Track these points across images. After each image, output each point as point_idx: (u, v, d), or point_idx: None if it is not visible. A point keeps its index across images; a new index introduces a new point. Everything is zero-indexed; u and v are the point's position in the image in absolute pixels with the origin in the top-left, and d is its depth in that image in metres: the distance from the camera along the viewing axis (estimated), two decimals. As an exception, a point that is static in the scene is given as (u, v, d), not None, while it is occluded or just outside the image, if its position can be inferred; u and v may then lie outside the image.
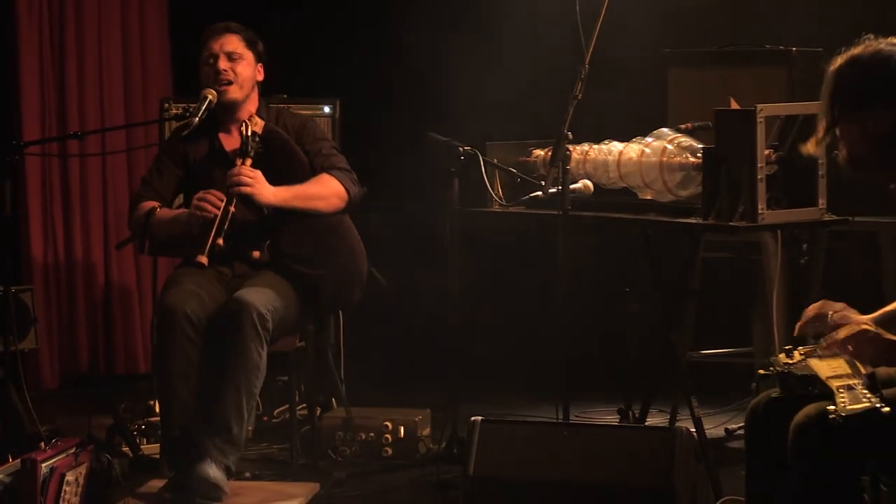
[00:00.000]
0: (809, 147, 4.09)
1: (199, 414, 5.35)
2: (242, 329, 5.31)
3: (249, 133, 5.54)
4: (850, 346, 3.85)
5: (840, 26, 4.17)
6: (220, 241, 5.37)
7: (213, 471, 5.21)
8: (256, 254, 5.65)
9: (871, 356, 3.82)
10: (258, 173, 5.50)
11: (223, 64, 5.68)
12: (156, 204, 5.68)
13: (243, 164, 5.52)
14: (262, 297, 5.39)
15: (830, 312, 4.03)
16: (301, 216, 5.58)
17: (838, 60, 3.92)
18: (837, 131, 3.92)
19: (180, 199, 5.86)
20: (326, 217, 5.62)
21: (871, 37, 3.94)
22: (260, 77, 5.81)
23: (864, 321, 3.99)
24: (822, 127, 3.96)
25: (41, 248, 7.47)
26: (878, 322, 4.02)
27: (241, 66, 5.72)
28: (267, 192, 5.50)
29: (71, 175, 7.57)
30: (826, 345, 3.93)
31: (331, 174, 5.64)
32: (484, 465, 4.66)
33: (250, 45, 5.77)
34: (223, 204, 5.43)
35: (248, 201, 5.50)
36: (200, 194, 5.51)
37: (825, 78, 3.92)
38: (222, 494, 5.23)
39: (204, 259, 5.34)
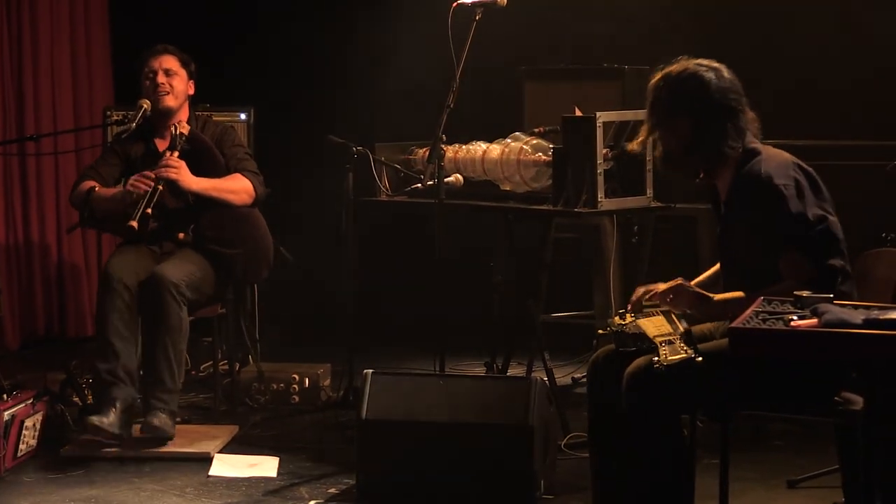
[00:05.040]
0: (634, 146, 4.16)
1: (143, 374, 5.38)
2: (162, 297, 5.32)
3: (178, 132, 5.53)
4: (668, 297, 3.90)
5: (663, 48, 4.19)
6: (149, 211, 5.35)
7: (157, 420, 5.25)
8: (181, 235, 5.62)
9: (685, 305, 3.88)
10: (182, 162, 5.48)
11: (161, 78, 5.65)
12: (95, 183, 5.64)
13: (171, 155, 5.49)
14: (176, 270, 5.39)
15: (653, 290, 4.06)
16: (218, 206, 5.55)
17: (657, 76, 3.97)
18: (656, 134, 3.97)
19: (120, 187, 5.78)
20: (239, 208, 5.59)
21: (685, 57, 3.98)
22: (191, 91, 5.77)
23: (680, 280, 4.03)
24: (644, 130, 4.02)
25: (3, 232, 7.32)
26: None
27: (175, 81, 5.68)
28: (188, 179, 5.48)
29: (29, 171, 7.43)
30: (649, 296, 3.97)
31: (243, 175, 5.62)
32: (374, 410, 4.64)
33: (184, 64, 5.74)
34: (153, 183, 5.41)
35: (173, 186, 5.47)
36: (134, 176, 5.51)
37: (647, 89, 3.97)
38: (168, 435, 5.29)
39: (134, 223, 5.32)
